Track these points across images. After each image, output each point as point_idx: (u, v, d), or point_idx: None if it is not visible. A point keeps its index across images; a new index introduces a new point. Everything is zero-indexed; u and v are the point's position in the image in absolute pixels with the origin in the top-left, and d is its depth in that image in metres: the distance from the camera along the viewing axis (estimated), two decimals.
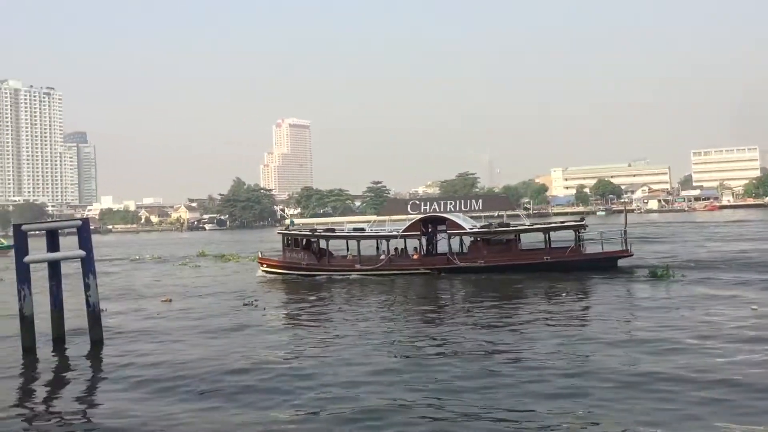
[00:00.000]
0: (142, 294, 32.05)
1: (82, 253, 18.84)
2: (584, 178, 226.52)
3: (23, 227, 19.05)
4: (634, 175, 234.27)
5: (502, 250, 33.71)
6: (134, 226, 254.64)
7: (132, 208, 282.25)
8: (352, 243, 35.82)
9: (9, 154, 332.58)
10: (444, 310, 23.89)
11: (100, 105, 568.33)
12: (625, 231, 34.07)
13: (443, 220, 34.73)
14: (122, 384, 14.24)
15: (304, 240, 36.57)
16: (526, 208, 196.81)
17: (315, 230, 38.16)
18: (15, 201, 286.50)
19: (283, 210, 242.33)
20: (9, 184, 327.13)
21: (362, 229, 37.54)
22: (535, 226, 35.93)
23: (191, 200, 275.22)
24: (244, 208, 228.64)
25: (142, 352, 17.44)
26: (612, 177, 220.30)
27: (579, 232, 33.86)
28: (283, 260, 37.25)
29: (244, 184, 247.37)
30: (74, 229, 19.43)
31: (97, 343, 18.30)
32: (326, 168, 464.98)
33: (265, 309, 24.91)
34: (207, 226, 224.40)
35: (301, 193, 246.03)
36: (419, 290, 29.29)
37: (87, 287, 18.52)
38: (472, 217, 37.14)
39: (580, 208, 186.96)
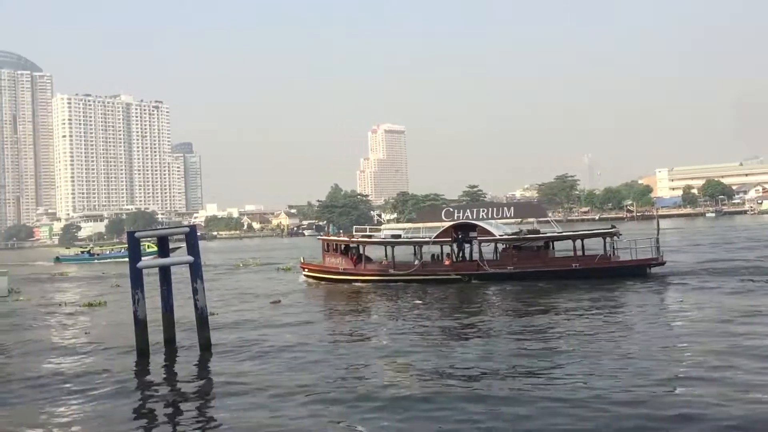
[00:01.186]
0: (249, 297, 32.86)
1: (191, 258, 19.42)
2: (692, 179, 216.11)
3: (136, 234, 19.84)
4: (747, 175, 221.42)
5: (532, 256, 34.02)
6: (237, 232, 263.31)
7: (235, 215, 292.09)
8: (391, 249, 36.48)
9: (122, 165, 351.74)
10: (468, 317, 23.34)
11: (204, 116, 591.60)
12: (657, 239, 33.65)
13: (474, 227, 35.12)
14: (228, 386, 14.51)
15: (343, 246, 37.61)
16: (629, 210, 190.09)
17: (353, 236, 39.10)
18: (128, 209, 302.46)
19: (379, 215, 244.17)
20: (122, 193, 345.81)
21: (398, 236, 38.10)
22: (564, 234, 35.60)
23: (291, 207, 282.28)
24: (342, 213, 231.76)
25: (249, 355, 17.78)
26: (722, 177, 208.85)
27: (611, 239, 33.84)
28: (322, 266, 38.44)
29: (341, 190, 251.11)
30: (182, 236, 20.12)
31: (205, 346, 18.78)
32: (422, 172, 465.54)
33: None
34: (306, 232, 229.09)
35: (397, 198, 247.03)
36: (447, 297, 29.34)
37: (195, 291, 19.06)
38: (505, 224, 37.52)
39: (688, 210, 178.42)
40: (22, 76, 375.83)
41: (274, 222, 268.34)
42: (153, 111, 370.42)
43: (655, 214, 39.77)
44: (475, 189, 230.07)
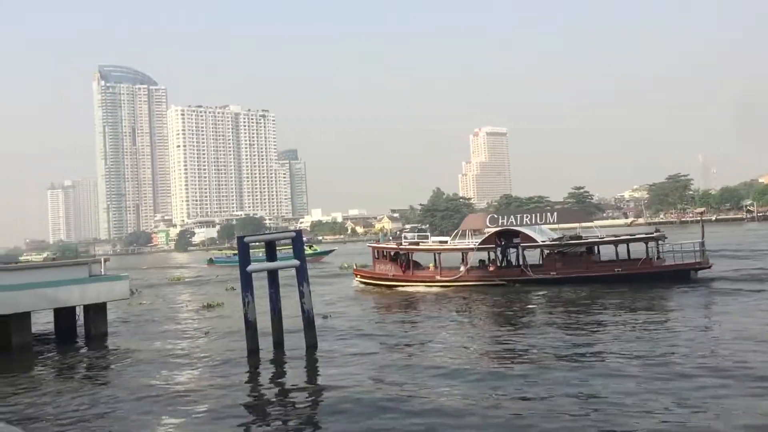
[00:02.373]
0: (357, 300, 33.48)
1: (297, 262, 19.99)
2: None
3: (245, 239, 20.60)
4: None
5: (575, 262, 34.37)
6: (342, 236, 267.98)
7: (339, 219, 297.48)
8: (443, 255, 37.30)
9: (232, 173, 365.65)
10: (509, 322, 23.72)
11: (308, 123, 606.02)
12: (703, 242, 33.47)
13: (517, 233, 35.80)
14: (331, 388, 14.80)
15: (392, 253, 38.81)
16: (749, 211, 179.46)
17: (401, 243, 40.37)
18: (238, 215, 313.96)
19: None
20: (232, 199, 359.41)
21: (445, 242, 39.24)
22: (606, 239, 35.31)
23: (393, 211, 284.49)
24: (444, 217, 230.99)
25: (353, 357, 18.07)
26: None
27: (654, 244, 34.12)
28: (373, 272, 39.88)
29: (443, 194, 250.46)
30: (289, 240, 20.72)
31: (311, 348, 19.25)
32: (525, 175, 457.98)
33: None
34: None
35: (500, 200, 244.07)
36: (490, 301, 29.83)
37: (302, 294, 19.59)
38: (551, 230, 37.96)
39: None
40: (139, 90, 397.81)
41: (377, 226, 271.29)
42: (260, 120, 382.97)
43: (700, 217, 38.79)
44: (581, 190, 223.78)
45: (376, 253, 40.20)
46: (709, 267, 32.87)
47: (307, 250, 75.30)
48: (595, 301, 27.46)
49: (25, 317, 23.23)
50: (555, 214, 37.64)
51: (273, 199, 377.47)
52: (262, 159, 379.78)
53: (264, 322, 20.05)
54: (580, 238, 35.48)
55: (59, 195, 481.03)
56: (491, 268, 35.78)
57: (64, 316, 25.82)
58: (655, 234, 34.20)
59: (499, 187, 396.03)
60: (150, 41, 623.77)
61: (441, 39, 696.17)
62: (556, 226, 37.75)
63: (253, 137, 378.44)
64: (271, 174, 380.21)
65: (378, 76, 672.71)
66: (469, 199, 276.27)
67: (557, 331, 20.47)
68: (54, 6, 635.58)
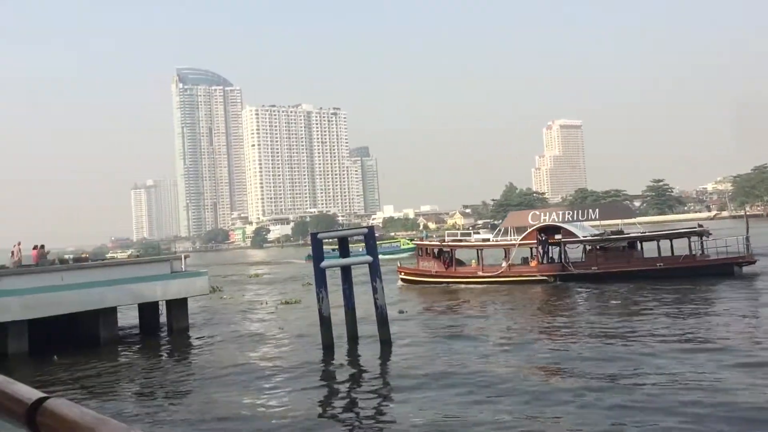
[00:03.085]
0: (432, 297, 33.48)
1: (370, 258, 20.19)
2: None
3: (319, 235, 20.94)
4: None
5: (616, 257, 34.64)
6: (414, 232, 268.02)
7: (411, 215, 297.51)
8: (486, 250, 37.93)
9: (305, 171, 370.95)
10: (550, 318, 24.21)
11: (379, 120, 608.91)
12: (747, 237, 33.02)
13: (558, 229, 36.12)
14: (407, 382, 14.91)
15: (435, 250, 39.39)
16: None
17: (443, 240, 40.98)
18: (311, 212, 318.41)
19: None
20: (306, 197, 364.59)
21: (487, 239, 39.68)
22: (647, 234, 35.78)
23: (465, 206, 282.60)
24: None
25: (427, 354, 18.12)
26: None
27: (698, 238, 33.85)
28: (417, 269, 40.34)
29: (516, 189, 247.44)
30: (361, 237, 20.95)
31: (385, 343, 19.41)
32: (601, 168, 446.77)
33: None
34: (481, 231, 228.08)
35: (575, 195, 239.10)
36: (532, 297, 30.49)
37: (375, 290, 19.78)
38: (593, 226, 38.40)
39: None
40: (216, 91, 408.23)
41: (450, 222, 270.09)
42: (332, 117, 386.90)
43: (744, 213, 38.78)
44: (661, 183, 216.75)
45: (419, 251, 41.15)
46: (754, 262, 32.64)
47: (409, 244, 74.88)
48: (638, 296, 27.60)
49: (112, 312, 24.31)
50: (597, 210, 37.75)
51: (345, 196, 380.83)
52: (334, 156, 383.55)
53: (340, 317, 20.37)
54: (622, 233, 35.77)
55: (142, 194, 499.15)
56: (533, 264, 36.37)
57: (147, 311, 26.89)
58: (698, 229, 33.94)
59: (574, 180, 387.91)
60: (224, 43, 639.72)
61: (511, 35, 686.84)
62: (598, 222, 38.19)
63: (325, 135, 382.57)
64: (343, 171, 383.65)
65: (449, 71, 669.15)
66: (543, 193, 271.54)
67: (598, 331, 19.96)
68: (133, 12, 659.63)
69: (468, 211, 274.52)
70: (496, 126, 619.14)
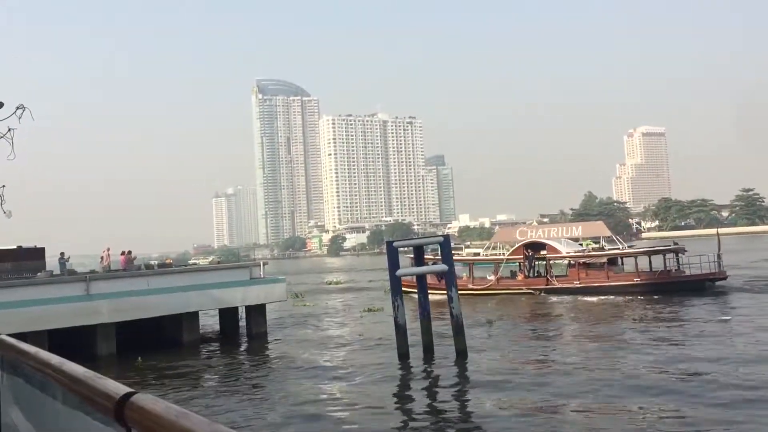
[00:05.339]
0: (518, 307, 33.28)
1: (445, 267, 20.13)
2: None
3: (394, 244, 21.05)
4: None
5: (597, 272, 36.92)
6: (490, 242, 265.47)
7: (487, 224, 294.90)
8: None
9: (380, 180, 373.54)
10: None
11: (454, 129, 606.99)
12: (719, 255, 35.45)
13: (543, 246, 38.90)
14: (484, 392, 14.79)
15: (430, 263, 40.17)
16: None
17: (436, 255, 44.13)
18: (387, 221, 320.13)
19: (638, 223, 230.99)
20: (381, 206, 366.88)
21: (477, 254, 43.65)
22: (627, 251, 38.94)
23: (543, 216, 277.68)
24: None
25: (501, 365, 17.93)
26: None
27: (673, 255, 36.66)
28: (409, 281, 39.84)
29: (595, 198, 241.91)
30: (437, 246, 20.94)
31: (461, 353, 19.28)
32: (686, 177, 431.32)
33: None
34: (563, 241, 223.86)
35: (659, 204, 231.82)
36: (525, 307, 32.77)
37: (450, 299, 19.70)
38: (575, 241, 41.40)
39: None
40: (294, 102, 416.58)
41: None
42: (407, 126, 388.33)
43: (717, 232, 42.04)
44: (750, 192, 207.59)
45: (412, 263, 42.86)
46: (725, 278, 35.01)
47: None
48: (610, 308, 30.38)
49: (194, 316, 25.11)
50: (579, 227, 42.05)
51: (421, 204, 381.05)
52: (410, 165, 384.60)
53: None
54: (603, 249, 39.00)
55: (222, 203, 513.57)
56: (520, 278, 38.76)
57: (228, 315, 27.62)
58: (672, 247, 36.94)
59: (657, 189, 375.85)
60: (302, 54, 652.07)
61: (588, 41, 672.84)
62: (579, 237, 41.56)
63: (400, 144, 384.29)
64: (418, 180, 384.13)
65: (527, 78, 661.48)
66: (624, 203, 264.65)
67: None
68: (215, 24, 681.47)
69: (545, 220, 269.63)
70: (576, 133, 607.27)
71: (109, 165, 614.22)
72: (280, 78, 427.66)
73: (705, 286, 34.51)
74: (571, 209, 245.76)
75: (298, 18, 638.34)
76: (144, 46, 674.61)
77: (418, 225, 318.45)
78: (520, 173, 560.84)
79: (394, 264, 20.36)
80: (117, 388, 1.72)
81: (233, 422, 13.00)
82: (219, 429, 1.23)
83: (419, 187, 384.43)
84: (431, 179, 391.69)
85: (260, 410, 14.26)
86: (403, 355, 19.25)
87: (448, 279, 20.12)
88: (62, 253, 29.19)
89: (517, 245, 39.70)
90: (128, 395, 1.63)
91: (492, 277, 39.27)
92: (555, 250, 38.32)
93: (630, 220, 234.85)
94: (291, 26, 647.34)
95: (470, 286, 38.62)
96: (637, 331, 22.91)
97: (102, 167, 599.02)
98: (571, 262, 38.04)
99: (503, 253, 40.25)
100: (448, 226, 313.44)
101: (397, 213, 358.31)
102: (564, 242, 39.39)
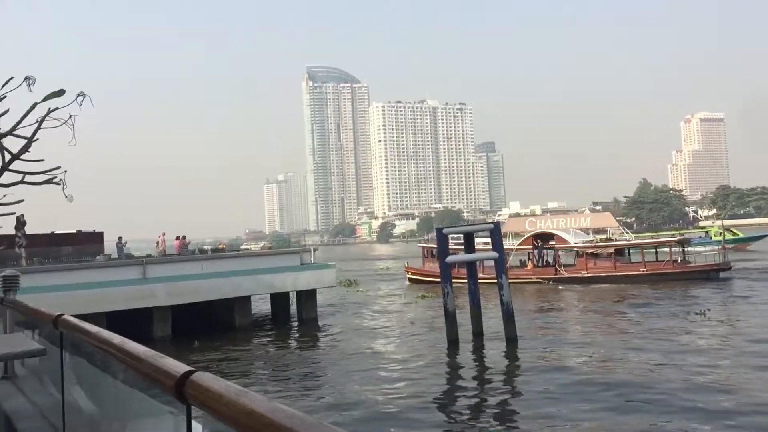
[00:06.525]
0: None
1: (496, 254, 19.99)
2: None
3: (444, 230, 20.99)
4: None
5: (604, 262, 37.89)
6: None
7: (538, 212, 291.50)
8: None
9: (430, 166, 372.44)
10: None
11: (506, 115, 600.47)
12: (724, 246, 38.88)
13: (552, 236, 39.60)
14: (532, 381, 14.66)
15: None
16: None
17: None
18: (436, 208, 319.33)
19: (695, 211, 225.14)
20: (431, 192, 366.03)
21: (487, 243, 40.44)
22: (634, 242, 40.39)
23: (595, 203, 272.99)
24: (652, 210, 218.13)
25: (554, 354, 17.75)
26: None
27: (679, 246, 38.89)
28: (422, 270, 42.95)
29: (650, 185, 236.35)
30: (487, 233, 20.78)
31: (511, 341, 19.16)
32: (747, 164, 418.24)
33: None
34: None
35: (717, 192, 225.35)
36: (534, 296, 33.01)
37: (500, 287, 19.56)
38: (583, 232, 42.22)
39: None
40: (343, 89, 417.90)
41: None
42: (457, 113, 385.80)
43: (722, 224, 42.04)
44: None
45: (425, 252, 43.81)
46: (729, 269, 36.49)
47: (719, 235, 70.60)
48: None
49: (246, 301, 25.53)
50: (588, 218, 43.53)
51: (470, 191, 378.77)
52: (460, 152, 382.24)
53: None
54: (611, 240, 39.87)
55: (274, 189, 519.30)
56: (529, 267, 39.41)
57: (279, 300, 28.00)
58: (679, 238, 39.24)
59: (715, 177, 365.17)
60: (352, 41, 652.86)
61: (650, 27, 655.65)
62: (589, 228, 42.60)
63: (450, 130, 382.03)
64: (468, 167, 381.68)
65: (581, 63, 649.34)
66: (680, 190, 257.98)
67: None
68: (265, 13, 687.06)
69: (598, 208, 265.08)
70: (631, 119, 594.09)
71: (164, 152, 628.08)
72: (330, 65, 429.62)
73: (709, 276, 35.63)
74: (625, 197, 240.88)
75: (349, 4, 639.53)
76: (196, 32, 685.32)
77: (467, 212, 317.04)
78: (573, 160, 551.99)
79: (443, 251, 20.30)
80: (178, 366, 1.79)
81: (289, 400, 13.22)
82: (277, 407, 1.26)
83: (469, 174, 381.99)
84: (481, 166, 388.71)
85: (312, 392, 14.52)
86: (453, 341, 19.23)
87: (498, 266, 19.96)
88: (120, 238, 29.98)
89: (526, 236, 40.52)
90: (189, 373, 1.70)
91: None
92: (563, 241, 39.19)
93: (686, 208, 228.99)
94: (342, 13, 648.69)
95: (480, 275, 38.60)
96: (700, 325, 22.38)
97: (156, 154, 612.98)
98: (579, 252, 38.89)
99: (513, 243, 40.34)
100: (498, 213, 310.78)
101: (447, 200, 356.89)
102: (572, 233, 40.38)
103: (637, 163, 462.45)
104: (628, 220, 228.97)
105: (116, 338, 2.52)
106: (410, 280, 43.83)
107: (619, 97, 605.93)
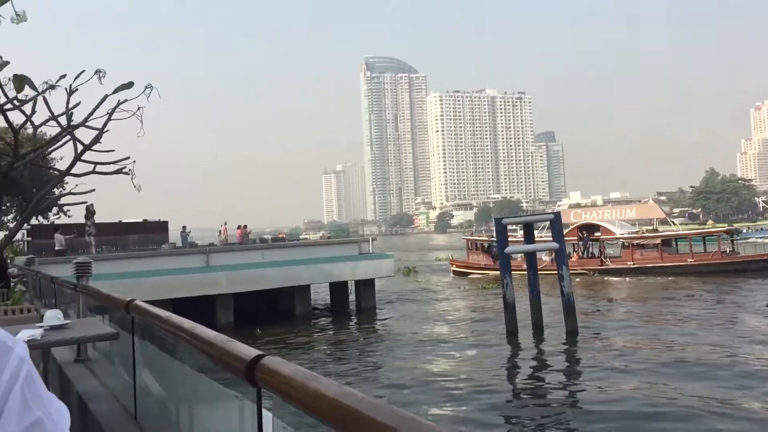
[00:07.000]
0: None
1: (556, 245, 19.71)
2: None
3: (503, 221, 20.79)
4: None
5: (651, 253, 37.59)
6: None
7: (599, 202, 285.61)
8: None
9: (488, 156, 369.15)
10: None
11: (566, 105, 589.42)
12: None
13: (597, 227, 39.64)
14: (593, 373, 14.47)
15: (485, 245, 42.62)
16: None
17: (491, 236, 42.20)
18: (494, 198, 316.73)
19: (766, 202, 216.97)
20: (489, 183, 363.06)
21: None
22: (680, 233, 40.23)
23: (660, 193, 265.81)
24: (719, 200, 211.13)
25: (614, 346, 17.45)
26: None
27: (728, 237, 38.49)
28: (467, 262, 44.11)
29: (718, 175, 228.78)
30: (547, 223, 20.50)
31: (572, 333, 18.88)
32: None
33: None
34: (676, 220, 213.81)
35: None
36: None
37: (561, 278, 19.29)
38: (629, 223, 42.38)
39: None
40: (401, 79, 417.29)
41: None
42: (516, 102, 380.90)
43: None
44: None
45: (470, 245, 45.03)
46: None
47: None
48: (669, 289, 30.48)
49: (305, 289, 25.87)
50: (633, 209, 43.78)
51: (530, 181, 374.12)
52: (519, 141, 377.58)
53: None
54: (657, 231, 40.01)
55: (332, 179, 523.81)
56: (574, 258, 38.41)
57: (337, 289, 28.27)
58: (728, 229, 38.88)
59: None
60: (409, 31, 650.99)
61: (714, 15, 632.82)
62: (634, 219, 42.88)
63: (509, 120, 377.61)
64: (527, 156, 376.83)
65: (644, 48, 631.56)
66: (750, 180, 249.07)
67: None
68: (324, 4, 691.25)
69: (663, 198, 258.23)
70: (698, 106, 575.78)
71: (227, 142, 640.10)
72: (387, 55, 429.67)
73: (760, 267, 34.97)
74: (691, 187, 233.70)
75: None
76: (257, 26, 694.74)
77: (526, 202, 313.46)
78: (638, 149, 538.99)
79: (502, 241, 20.13)
80: (248, 350, 1.83)
81: (354, 384, 13.40)
82: (347, 391, 1.27)
83: (528, 163, 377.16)
84: (540, 156, 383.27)
85: (372, 379, 14.70)
86: (512, 332, 19.09)
87: (559, 257, 19.68)
88: (184, 227, 30.77)
89: (571, 227, 39.82)
90: (259, 357, 1.73)
91: (547, 258, 38.25)
92: (609, 232, 39.18)
93: (756, 198, 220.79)
94: (399, 3, 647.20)
95: (524, 266, 38.69)
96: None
97: (218, 144, 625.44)
98: (625, 243, 38.63)
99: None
100: (558, 203, 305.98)
101: (505, 190, 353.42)
102: (618, 224, 40.42)
103: (705, 151, 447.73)
104: (694, 211, 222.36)
105: (187, 323, 2.59)
106: (454, 272, 44.20)
107: (686, 83, 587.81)
